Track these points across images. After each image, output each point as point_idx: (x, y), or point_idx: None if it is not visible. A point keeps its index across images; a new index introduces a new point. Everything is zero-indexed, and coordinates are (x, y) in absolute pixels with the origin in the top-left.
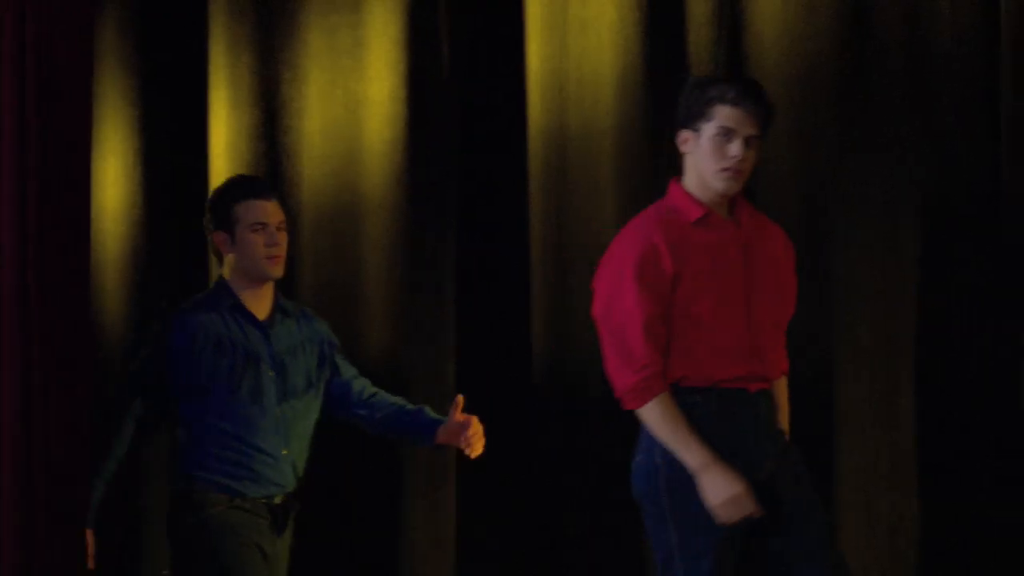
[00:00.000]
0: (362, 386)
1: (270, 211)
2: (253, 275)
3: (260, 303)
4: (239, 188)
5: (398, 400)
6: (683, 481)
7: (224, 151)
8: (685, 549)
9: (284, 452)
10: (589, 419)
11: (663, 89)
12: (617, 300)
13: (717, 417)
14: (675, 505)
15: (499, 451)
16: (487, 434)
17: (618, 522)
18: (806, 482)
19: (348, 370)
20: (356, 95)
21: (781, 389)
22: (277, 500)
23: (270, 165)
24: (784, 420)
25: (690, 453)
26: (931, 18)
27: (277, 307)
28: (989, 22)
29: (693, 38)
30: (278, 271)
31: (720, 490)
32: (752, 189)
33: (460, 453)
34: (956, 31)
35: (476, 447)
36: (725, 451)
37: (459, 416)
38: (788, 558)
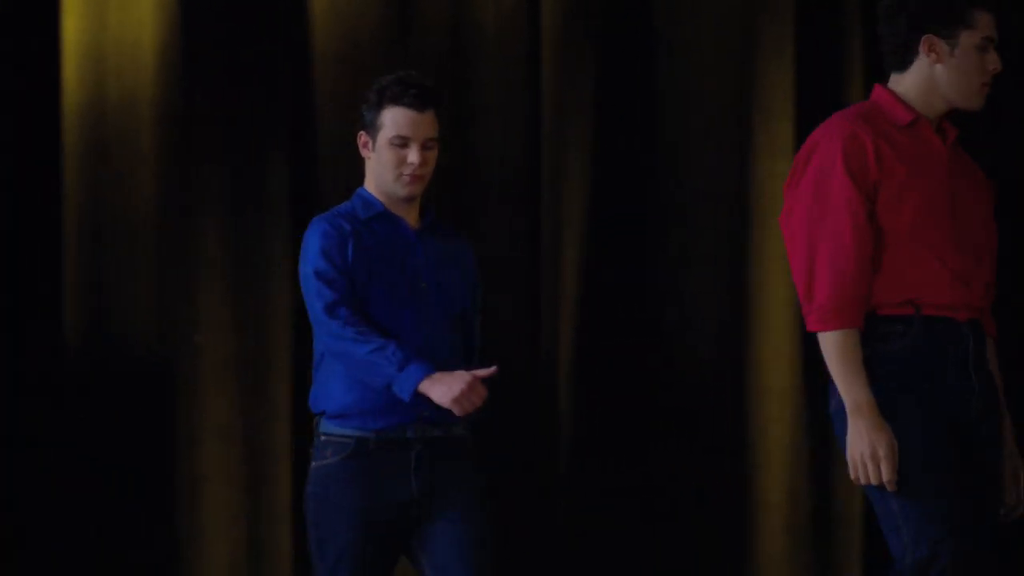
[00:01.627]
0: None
1: (419, 124)
2: (386, 189)
3: (408, 212)
4: (394, 90)
5: None
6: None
7: None
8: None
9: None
10: (122, 390)
11: (204, 62)
12: (823, 201)
13: (919, 349)
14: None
15: (35, 422)
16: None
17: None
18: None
19: (470, 331)
20: None
21: (989, 327)
22: (434, 433)
23: None
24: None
25: (851, 392)
26: (474, 3)
27: (427, 216)
28: (531, 8)
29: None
30: (413, 191)
31: (860, 443)
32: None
33: None
34: (499, 10)
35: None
36: (925, 387)
37: None
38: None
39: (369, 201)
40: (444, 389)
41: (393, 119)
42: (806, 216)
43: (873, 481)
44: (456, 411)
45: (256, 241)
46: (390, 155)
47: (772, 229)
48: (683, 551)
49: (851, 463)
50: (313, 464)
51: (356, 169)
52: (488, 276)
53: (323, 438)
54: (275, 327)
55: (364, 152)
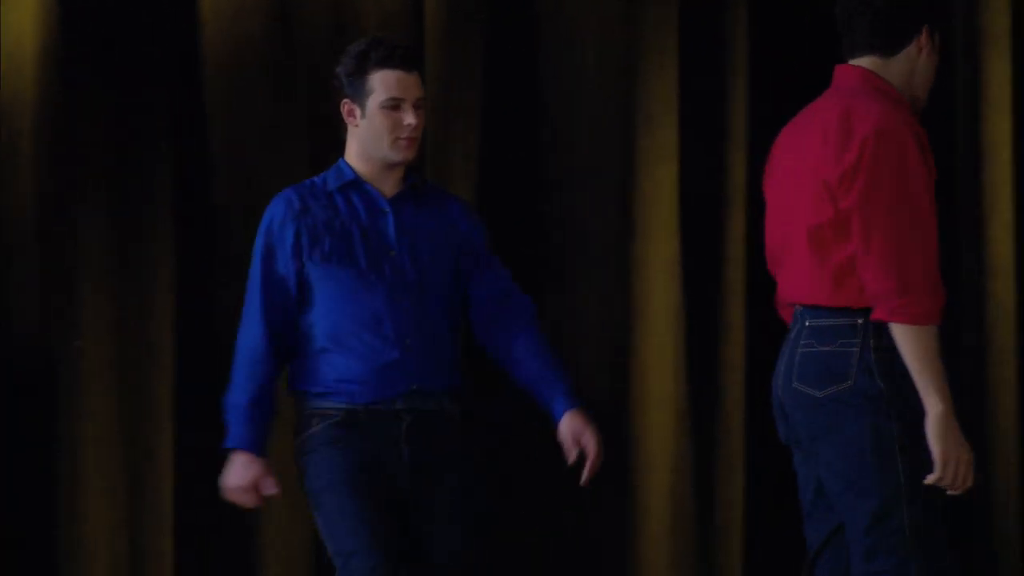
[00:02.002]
0: (499, 310)
1: (409, 85)
2: (378, 156)
3: (386, 182)
4: (380, 53)
5: (540, 353)
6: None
7: None
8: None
9: (408, 344)
10: (1, 394)
11: (87, 64)
12: (906, 193)
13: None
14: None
15: None
16: None
17: None
18: None
19: (491, 278)
20: None
21: None
22: (425, 405)
23: None
24: None
25: (943, 391)
26: (357, 3)
27: (408, 185)
28: (415, 10)
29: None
30: (409, 155)
31: (959, 446)
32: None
33: None
34: (382, 15)
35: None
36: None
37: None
38: None
39: (342, 170)
40: (232, 473)
41: (383, 82)
42: (890, 207)
43: (956, 486)
44: (223, 493)
45: (140, 244)
46: (383, 119)
47: (656, 233)
48: (564, 553)
49: (945, 464)
50: (297, 439)
51: (246, 170)
52: None
53: (307, 412)
54: (158, 330)
55: (349, 120)
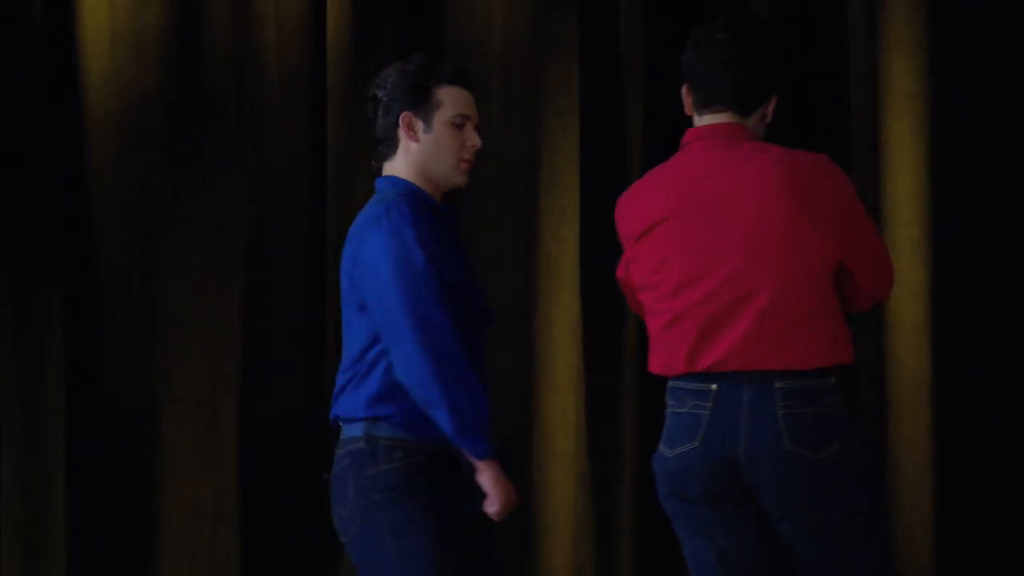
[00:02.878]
0: None
1: (473, 106)
2: (437, 176)
3: None
4: (446, 68)
5: None
6: None
7: None
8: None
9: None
10: None
11: None
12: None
13: None
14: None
15: None
16: None
17: None
18: None
19: None
20: None
21: None
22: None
23: None
24: None
25: None
26: (258, 57)
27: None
28: (315, 61)
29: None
30: (465, 180)
31: None
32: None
33: None
34: (283, 70)
35: None
36: None
37: None
38: None
39: (416, 191)
40: (507, 486)
41: (452, 98)
42: (863, 212)
43: None
44: (495, 510)
45: (30, 304)
46: (451, 137)
47: (559, 293)
48: None
49: None
50: (369, 471)
51: (133, 230)
52: (275, 325)
53: (385, 442)
54: (50, 391)
55: (409, 135)
